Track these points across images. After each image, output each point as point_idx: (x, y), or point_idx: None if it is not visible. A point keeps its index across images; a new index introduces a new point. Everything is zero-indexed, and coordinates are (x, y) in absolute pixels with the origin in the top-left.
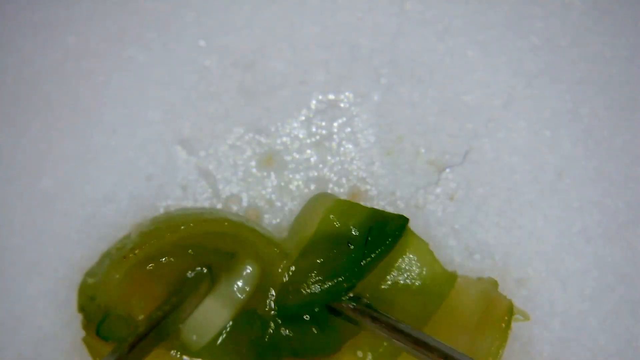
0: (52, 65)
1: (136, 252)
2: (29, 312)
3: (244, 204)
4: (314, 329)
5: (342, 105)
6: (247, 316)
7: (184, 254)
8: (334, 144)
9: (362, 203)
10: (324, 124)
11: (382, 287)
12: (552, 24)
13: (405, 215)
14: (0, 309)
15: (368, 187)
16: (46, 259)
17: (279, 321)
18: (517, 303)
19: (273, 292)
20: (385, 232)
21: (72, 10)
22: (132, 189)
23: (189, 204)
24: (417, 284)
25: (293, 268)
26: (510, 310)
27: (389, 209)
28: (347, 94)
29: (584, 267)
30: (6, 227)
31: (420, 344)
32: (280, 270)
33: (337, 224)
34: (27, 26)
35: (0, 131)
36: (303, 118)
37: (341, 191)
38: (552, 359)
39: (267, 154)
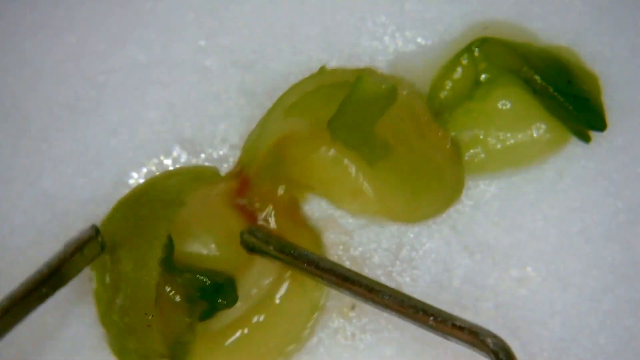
0: (52, 65)
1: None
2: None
3: None
4: None
5: None
6: None
7: None
8: None
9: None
10: None
11: None
12: (552, 24)
13: None
14: None
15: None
16: (46, 259)
17: None
18: (517, 303)
19: None
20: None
21: (72, 10)
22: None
23: None
24: None
25: None
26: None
27: None
28: None
29: (584, 267)
30: (6, 227)
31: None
32: None
33: None
34: (27, 26)
35: (0, 131)
36: None
37: None
38: (552, 359)
39: None
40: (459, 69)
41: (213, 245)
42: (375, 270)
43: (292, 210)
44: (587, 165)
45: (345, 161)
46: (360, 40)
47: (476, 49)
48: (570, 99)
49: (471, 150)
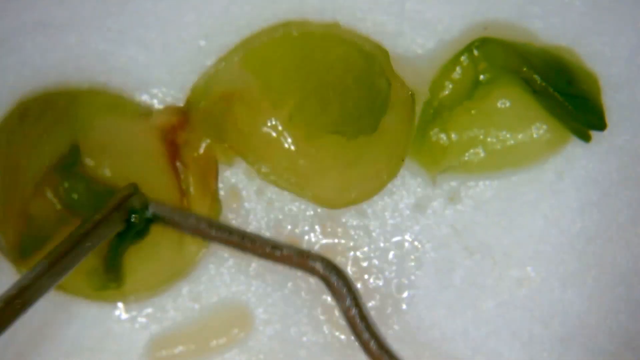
0: (52, 65)
1: None
2: (29, 312)
3: None
4: None
5: None
6: None
7: None
8: None
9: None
10: None
11: None
12: (552, 24)
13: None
14: None
15: None
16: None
17: None
18: (517, 303)
19: None
20: None
21: (72, 10)
22: None
23: None
24: None
25: None
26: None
27: (389, 210)
28: None
29: (584, 267)
30: None
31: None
32: None
33: None
34: (27, 26)
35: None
36: None
37: None
38: (552, 359)
39: None
40: (459, 69)
41: (127, 171)
42: (373, 270)
43: (208, 170)
44: (587, 165)
45: (287, 136)
46: None
47: (476, 49)
48: (570, 99)
49: (471, 150)
